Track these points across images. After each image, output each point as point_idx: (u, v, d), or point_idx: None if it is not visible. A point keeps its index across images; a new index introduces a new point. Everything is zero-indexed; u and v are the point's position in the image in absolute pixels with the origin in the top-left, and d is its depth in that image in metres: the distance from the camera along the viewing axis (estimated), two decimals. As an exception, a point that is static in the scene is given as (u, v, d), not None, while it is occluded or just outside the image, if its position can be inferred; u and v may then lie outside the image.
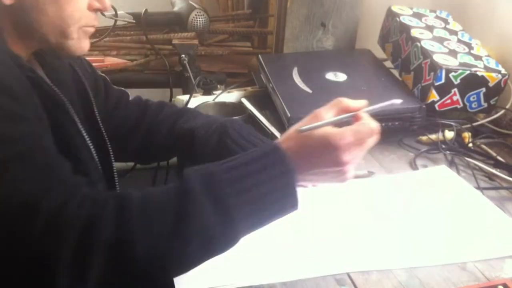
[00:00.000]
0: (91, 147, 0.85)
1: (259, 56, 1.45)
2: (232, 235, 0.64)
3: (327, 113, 0.70)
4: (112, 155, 0.96)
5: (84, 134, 0.83)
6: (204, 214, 0.61)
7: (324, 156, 0.66)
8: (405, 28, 1.38)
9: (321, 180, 0.71)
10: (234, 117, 1.21)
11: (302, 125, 0.68)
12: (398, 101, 0.72)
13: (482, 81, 1.24)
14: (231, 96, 1.41)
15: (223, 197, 0.61)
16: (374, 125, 0.68)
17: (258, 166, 0.64)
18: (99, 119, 0.95)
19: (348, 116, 0.71)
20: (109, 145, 0.96)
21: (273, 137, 1.21)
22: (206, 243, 0.62)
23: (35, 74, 0.73)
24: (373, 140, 0.69)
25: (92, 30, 0.81)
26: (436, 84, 1.23)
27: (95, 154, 0.86)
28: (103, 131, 0.96)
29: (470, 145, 1.22)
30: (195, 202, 0.61)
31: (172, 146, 1.07)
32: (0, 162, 0.59)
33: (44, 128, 0.69)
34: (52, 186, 0.60)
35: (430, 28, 1.39)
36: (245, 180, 0.62)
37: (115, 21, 1.51)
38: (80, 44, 0.80)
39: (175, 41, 1.68)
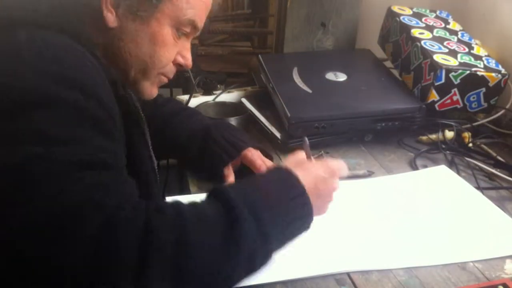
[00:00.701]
0: (154, 159, 0.85)
1: (259, 56, 1.45)
2: (266, 260, 0.68)
3: None
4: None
5: (151, 147, 0.83)
6: (251, 240, 0.64)
7: (323, 178, 0.77)
8: (405, 28, 1.38)
9: (316, 200, 0.75)
10: (230, 118, 1.22)
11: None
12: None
13: (482, 81, 1.24)
14: (231, 96, 1.41)
15: (265, 226, 0.65)
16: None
17: (284, 198, 0.70)
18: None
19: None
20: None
21: (273, 136, 1.21)
22: (250, 266, 0.65)
23: (126, 91, 0.74)
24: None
25: (165, 80, 0.85)
26: (436, 84, 1.23)
27: (156, 167, 0.86)
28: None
29: (470, 145, 1.22)
30: (244, 228, 0.63)
31: (163, 145, 1.08)
32: (84, 164, 0.59)
33: (122, 147, 0.70)
34: (121, 201, 0.59)
35: (430, 28, 1.39)
36: (277, 210, 0.68)
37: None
38: (152, 89, 0.83)
39: (175, 41, 1.68)
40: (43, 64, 0.62)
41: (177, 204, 0.63)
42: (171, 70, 0.84)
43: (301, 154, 0.83)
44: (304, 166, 0.78)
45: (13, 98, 0.59)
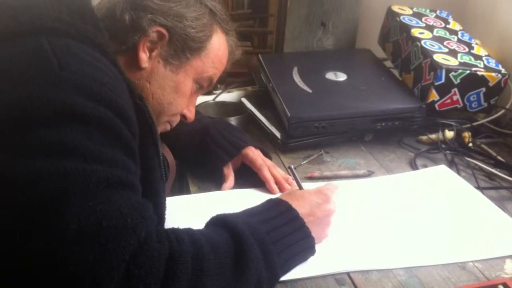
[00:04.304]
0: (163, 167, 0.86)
1: (259, 56, 1.45)
2: (273, 285, 0.73)
3: None
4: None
5: (161, 155, 0.84)
6: (258, 269, 0.68)
7: (318, 203, 0.82)
8: (405, 28, 1.38)
9: (315, 229, 0.79)
10: (230, 117, 1.22)
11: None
12: None
13: (482, 81, 1.24)
14: (231, 96, 1.41)
15: (271, 254, 0.70)
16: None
17: (288, 229, 0.75)
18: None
19: None
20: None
21: (273, 136, 1.21)
22: None
23: (142, 102, 0.75)
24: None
25: (168, 128, 0.90)
26: (436, 84, 1.23)
27: (164, 176, 0.86)
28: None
29: (470, 145, 1.22)
30: (251, 258, 0.67)
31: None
32: (114, 184, 0.59)
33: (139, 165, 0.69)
34: (148, 227, 0.60)
35: (430, 28, 1.39)
36: (281, 241, 0.73)
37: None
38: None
39: (175, 41, 1.68)
40: (72, 76, 0.61)
41: (192, 232, 0.66)
42: (176, 120, 0.90)
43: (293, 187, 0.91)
44: (298, 196, 0.83)
45: (46, 110, 0.58)
